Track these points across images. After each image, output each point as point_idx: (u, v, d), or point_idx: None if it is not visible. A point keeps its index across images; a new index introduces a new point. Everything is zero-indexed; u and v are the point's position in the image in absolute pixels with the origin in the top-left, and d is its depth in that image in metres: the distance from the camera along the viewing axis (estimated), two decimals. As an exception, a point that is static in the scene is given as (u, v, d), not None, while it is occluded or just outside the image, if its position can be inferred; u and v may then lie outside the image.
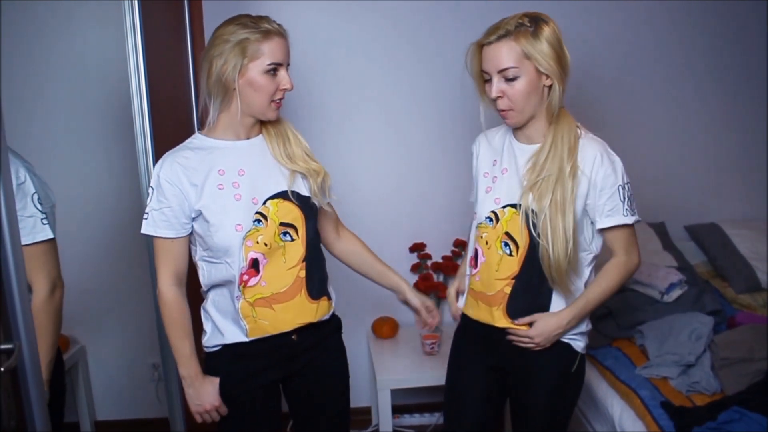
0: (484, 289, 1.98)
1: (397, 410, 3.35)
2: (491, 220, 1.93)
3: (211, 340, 1.90)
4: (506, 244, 1.90)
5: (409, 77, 3.24)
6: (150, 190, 1.80)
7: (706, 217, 3.49)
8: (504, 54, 1.77)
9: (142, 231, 1.80)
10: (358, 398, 2.88)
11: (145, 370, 3.36)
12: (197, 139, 1.86)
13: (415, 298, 2.10)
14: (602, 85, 3.26)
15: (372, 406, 3.30)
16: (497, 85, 1.80)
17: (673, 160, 3.41)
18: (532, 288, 1.92)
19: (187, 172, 1.78)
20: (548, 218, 1.81)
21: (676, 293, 2.94)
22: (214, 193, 1.78)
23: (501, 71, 1.78)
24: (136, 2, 2.21)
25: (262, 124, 1.90)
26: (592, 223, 1.91)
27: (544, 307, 1.94)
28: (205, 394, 1.84)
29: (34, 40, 3.05)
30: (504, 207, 1.91)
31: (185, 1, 2.96)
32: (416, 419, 3.38)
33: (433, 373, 2.92)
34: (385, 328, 3.24)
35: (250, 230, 1.79)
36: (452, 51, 3.17)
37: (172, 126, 2.72)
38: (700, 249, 3.40)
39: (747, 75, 3.43)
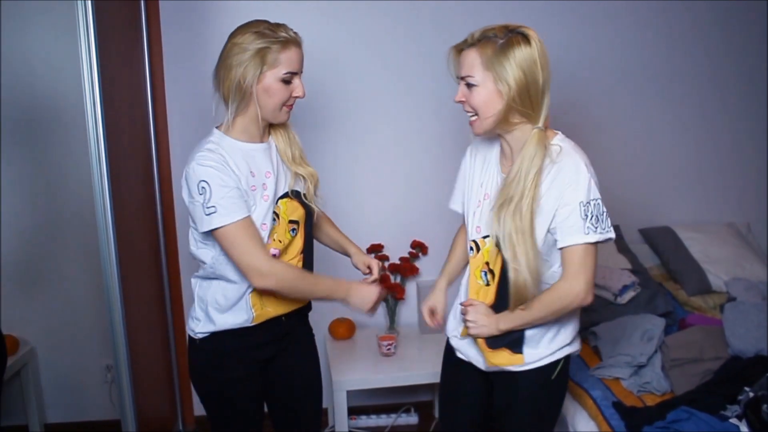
0: None
1: (354, 411, 3.35)
2: (472, 249, 1.92)
3: (202, 327, 1.95)
4: (485, 274, 1.89)
5: (373, 80, 3.24)
6: (202, 188, 1.77)
7: (660, 220, 3.55)
8: (467, 62, 1.77)
9: (215, 226, 1.78)
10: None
11: (97, 372, 3.31)
12: (224, 140, 1.87)
13: (358, 259, 2.19)
14: (555, 90, 3.30)
15: (328, 408, 3.29)
16: (461, 90, 1.82)
17: (627, 164, 3.47)
18: None
19: (227, 170, 1.80)
20: (512, 243, 1.76)
21: (629, 295, 2.99)
22: (248, 193, 1.85)
23: (462, 77, 1.80)
24: (89, 1, 2.17)
25: (271, 127, 1.98)
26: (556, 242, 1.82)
27: (519, 335, 1.87)
28: (367, 294, 1.98)
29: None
30: (485, 237, 1.88)
31: (141, 1, 2.93)
32: (373, 420, 3.38)
33: (389, 375, 2.93)
34: (341, 330, 3.24)
35: (271, 229, 1.90)
36: (424, 54, 3.24)
37: (127, 125, 2.68)
38: (653, 252, 3.47)
39: (705, 82, 3.49)
